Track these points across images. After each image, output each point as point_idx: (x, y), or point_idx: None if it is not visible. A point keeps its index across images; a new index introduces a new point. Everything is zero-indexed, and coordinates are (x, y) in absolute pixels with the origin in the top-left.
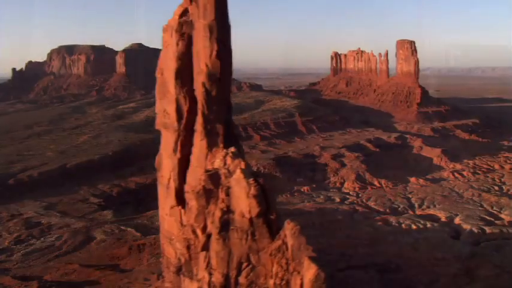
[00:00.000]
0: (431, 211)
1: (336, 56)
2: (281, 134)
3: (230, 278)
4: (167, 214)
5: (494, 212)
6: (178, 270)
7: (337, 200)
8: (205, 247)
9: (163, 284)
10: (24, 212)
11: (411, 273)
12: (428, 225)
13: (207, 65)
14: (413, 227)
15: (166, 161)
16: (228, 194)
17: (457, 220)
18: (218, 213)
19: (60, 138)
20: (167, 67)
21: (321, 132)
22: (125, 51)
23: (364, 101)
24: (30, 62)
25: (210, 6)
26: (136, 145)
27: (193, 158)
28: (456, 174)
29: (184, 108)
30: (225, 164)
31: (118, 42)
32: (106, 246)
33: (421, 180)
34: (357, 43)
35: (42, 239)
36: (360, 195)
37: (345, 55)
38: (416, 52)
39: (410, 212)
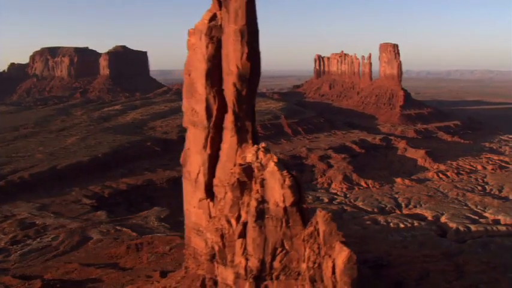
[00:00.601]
0: (417, 210)
1: (319, 59)
2: (267, 135)
3: (265, 263)
4: (195, 207)
5: (479, 211)
6: (212, 258)
7: (326, 200)
8: (242, 235)
9: (192, 272)
10: (18, 213)
11: (401, 269)
12: (416, 223)
13: (237, 67)
14: (401, 225)
15: (195, 157)
16: (262, 186)
17: (443, 219)
18: (254, 203)
19: (48, 140)
20: (195, 68)
21: (306, 134)
22: (108, 53)
23: (347, 104)
24: (12, 64)
25: (242, 12)
26: (125, 147)
27: (223, 154)
28: (440, 175)
29: (214, 107)
30: (257, 158)
31: (101, 45)
32: (103, 245)
33: (406, 181)
34: (340, 46)
35: (38, 239)
36: (348, 195)
37: (328, 58)
38: (399, 55)
39: (398, 212)
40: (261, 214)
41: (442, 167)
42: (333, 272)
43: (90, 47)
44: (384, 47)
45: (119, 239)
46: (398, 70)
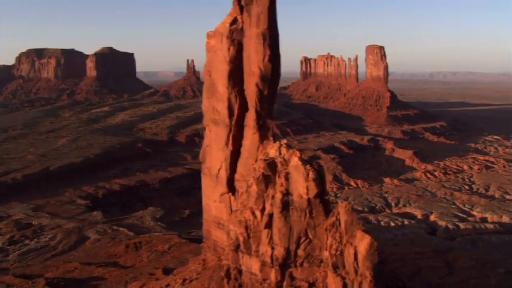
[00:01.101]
0: (407, 209)
1: (306, 61)
2: None
3: (290, 251)
4: (215, 201)
5: (467, 209)
6: (236, 249)
7: None
8: (268, 225)
9: (212, 264)
10: (13, 214)
11: (394, 266)
12: (406, 222)
13: (259, 68)
14: (392, 224)
15: (217, 154)
16: (287, 179)
17: (432, 217)
18: (279, 196)
19: (38, 141)
20: (215, 69)
21: (295, 135)
22: (95, 54)
23: (334, 105)
24: None
25: (264, 17)
26: (116, 148)
27: (245, 150)
28: (428, 175)
29: (235, 106)
30: (280, 153)
31: (88, 46)
32: (101, 245)
33: (395, 181)
34: (326, 48)
35: (36, 239)
36: (338, 195)
37: (315, 60)
38: (385, 57)
39: (388, 211)
40: (285, 206)
41: (430, 167)
42: (355, 258)
43: (77, 49)
44: (370, 49)
45: (116, 239)
46: (384, 72)
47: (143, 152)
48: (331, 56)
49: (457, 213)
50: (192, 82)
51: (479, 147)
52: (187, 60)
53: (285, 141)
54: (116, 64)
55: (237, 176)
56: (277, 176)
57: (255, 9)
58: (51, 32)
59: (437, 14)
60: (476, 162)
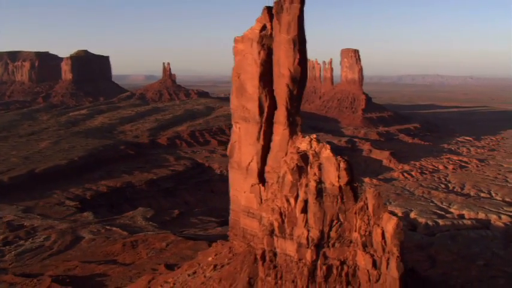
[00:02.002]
0: (388, 207)
1: None
2: None
3: (324, 233)
4: (245, 192)
5: (444, 206)
6: (271, 233)
7: None
8: (304, 210)
9: (240, 250)
10: (3, 216)
11: None
12: None
13: (289, 70)
14: None
15: (247, 148)
16: (320, 169)
17: (412, 215)
18: (313, 184)
19: (20, 144)
20: (244, 71)
21: None
22: (71, 57)
23: (310, 108)
24: None
25: (294, 24)
26: (99, 150)
27: (275, 145)
28: (406, 174)
29: (265, 104)
30: (311, 147)
31: (62, 49)
32: (97, 244)
33: (374, 180)
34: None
35: (30, 240)
36: None
37: None
38: (360, 60)
39: None
40: (319, 192)
41: (407, 167)
42: (382, 238)
43: (51, 52)
44: (345, 52)
45: (111, 238)
46: (359, 75)
47: (126, 154)
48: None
49: (436, 211)
50: (168, 85)
51: (453, 148)
52: (163, 63)
53: (314, 136)
54: (91, 67)
55: (267, 168)
56: (309, 167)
57: (286, 17)
58: (24, 35)
59: (407, 17)
60: (450, 162)
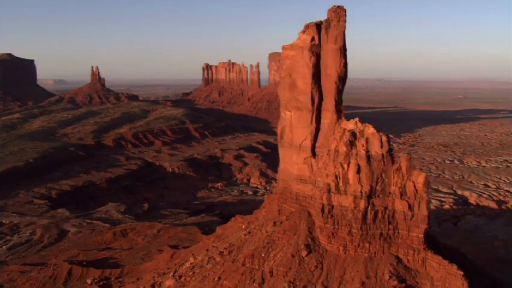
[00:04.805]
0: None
1: (208, 68)
2: (178, 139)
3: (372, 187)
4: (298, 164)
5: None
6: (328, 191)
7: (250, 193)
8: (358, 171)
9: (289, 211)
10: None
11: None
12: None
13: (337, 71)
14: None
15: (301, 130)
16: (367, 142)
17: None
18: (363, 152)
19: None
20: (296, 71)
21: (213, 137)
22: None
23: (239, 109)
24: None
25: (340, 37)
26: (51, 152)
27: (324, 127)
28: None
29: (316, 97)
30: (356, 126)
31: None
32: (85, 235)
33: None
34: (228, 55)
35: (16, 235)
36: (268, 188)
37: (216, 67)
38: None
39: None
40: (368, 158)
41: None
42: (414, 188)
43: None
44: (273, 56)
45: (96, 230)
46: None
47: (78, 155)
48: (233, 63)
49: None
50: (98, 89)
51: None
52: (92, 67)
53: (357, 118)
54: (16, 71)
55: (318, 145)
56: (357, 141)
57: (333, 32)
58: None
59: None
60: None
